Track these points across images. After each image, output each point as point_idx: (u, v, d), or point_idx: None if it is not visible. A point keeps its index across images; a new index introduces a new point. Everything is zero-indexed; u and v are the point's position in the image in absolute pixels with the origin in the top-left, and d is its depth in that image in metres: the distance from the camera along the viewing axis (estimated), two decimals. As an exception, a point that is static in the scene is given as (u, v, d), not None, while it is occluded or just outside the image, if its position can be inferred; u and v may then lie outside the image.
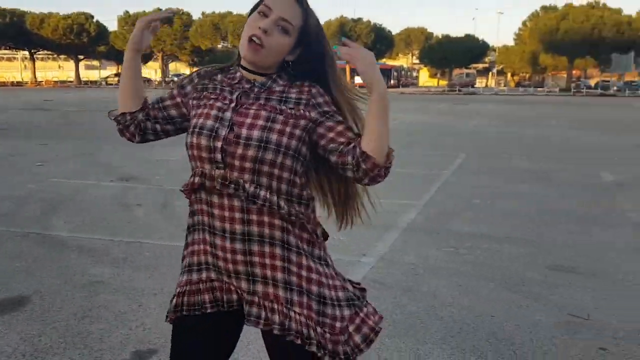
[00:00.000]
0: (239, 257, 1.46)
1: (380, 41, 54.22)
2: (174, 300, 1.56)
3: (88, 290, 3.66)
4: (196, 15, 60.28)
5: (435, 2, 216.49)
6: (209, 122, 1.46)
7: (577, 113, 23.54)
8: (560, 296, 3.63)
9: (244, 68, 1.53)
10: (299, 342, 1.44)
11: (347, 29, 52.93)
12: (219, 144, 1.43)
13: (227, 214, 1.45)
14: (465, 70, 66.44)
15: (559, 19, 47.00)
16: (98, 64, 73.96)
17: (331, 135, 1.46)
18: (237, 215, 1.44)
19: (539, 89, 55.18)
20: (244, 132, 1.42)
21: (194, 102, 1.56)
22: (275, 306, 1.46)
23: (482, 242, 4.79)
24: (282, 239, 1.46)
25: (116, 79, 59.87)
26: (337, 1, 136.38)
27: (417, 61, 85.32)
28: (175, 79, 68.38)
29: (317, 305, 1.45)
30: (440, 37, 55.42)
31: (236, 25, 54.47)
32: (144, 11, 59.25)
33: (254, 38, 1.44)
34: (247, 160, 1.41)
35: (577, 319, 3.28)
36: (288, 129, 1.43)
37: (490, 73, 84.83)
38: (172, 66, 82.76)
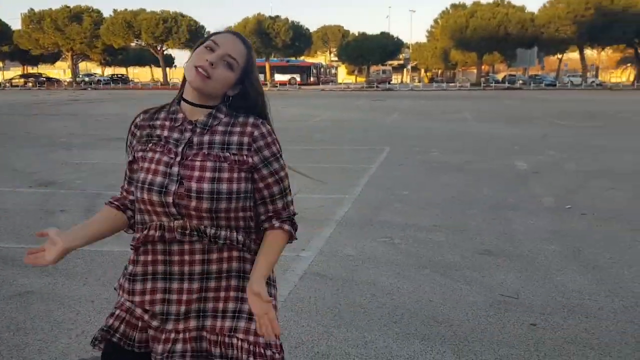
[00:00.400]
0: (194, 296, 1.50)
1: (299, 39, 54.42)
2: (113, 324, 1.57)
3: (18, 301, 3.49)
4: (107, 13, 57.93)
5: (350, 1, 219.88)
6: (158, 179, 1.47)
7: (488, 106, 24.79)
8: (490, 278, 3.86)
9: (186, 101, 1.53)
10: None
11: (265, 26, 52.66)
12: (170, 199, 1.46)
13: (187, 258, 1.50)
14: (381, 67, 68.09)
15: (468, 17, 49.19)
16: (1, 65, 69.35)
17: (261, 185, 1.52)
18: (198, 257, 1.49)
19: (450, 84, 57.50)
20: (194, 185, 1.45)
21: (140, 154, 1.55)
22: (218, 338, 1.50)
23: (414, 231, 4.99)
24: (239, 269, 1.52)
25: (22, 80, 56.46)
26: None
27: (335, 58, 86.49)
28: (87, 79, 65.60)
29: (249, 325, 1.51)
30: (357, 34, 56.32)
31: (150, 23, 52.83)
32: (50, 9, 56.20)
33: (200, 69, 1.47)
34: (203, 211, 1.46)
35: (508, 298, 3.51)
36: (235, 175, 1.48)
37: (404, 69, 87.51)
38: (83, 65, 79.10)
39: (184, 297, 1.50)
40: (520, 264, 4.13)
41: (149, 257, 1.52)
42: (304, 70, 61.17)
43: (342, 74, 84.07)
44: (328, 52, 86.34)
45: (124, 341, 1.56)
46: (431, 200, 6.21)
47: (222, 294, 1.52)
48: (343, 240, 4.72)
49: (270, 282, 1.56)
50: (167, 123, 1.55)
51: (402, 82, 74.47)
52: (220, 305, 1.52)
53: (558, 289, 3.66)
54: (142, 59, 68.91)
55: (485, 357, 2.78)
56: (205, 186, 1.45)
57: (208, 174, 1.46)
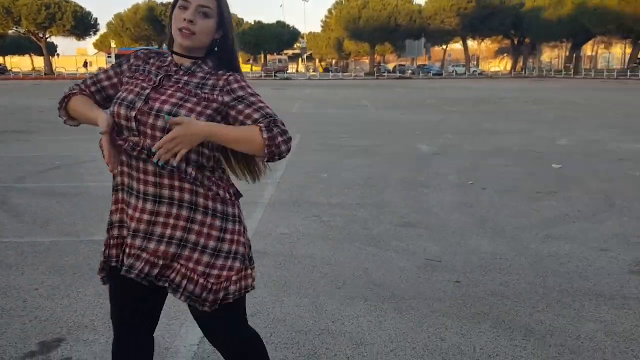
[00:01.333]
0: (145, 217, 1.65)
1: (194, 27, 53.03)
2: (105, 252, 1.74)
3: (-45, 295, 3.39)
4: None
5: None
6: (130, 96, 1.66)
7: (385, 94, 25.89)
8: (414, 246, 4.27)
9: (176, 53, 1.71)
10: (168, 288, 1.66)
11: (157, 12, 50.86)
12: (133, 114, 1.62)
13: (141, 176, 1.64)
14: (277, 57, 68.36)
15: (360, 8, 50.70)
16: None
17: (241, 117, 1.64)
18: (151, 178, 1.63)
19: (345, 73, 58.98)
20: (156, 105, 1.62)
21: (125, 79, 1.75)
22: (160, 262, 1.66)
23: (339, 209, 5.33)
24: (191, 201, 1.65)
25: None
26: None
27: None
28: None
29: (208, 258, 1.66)
30: (252, 23, 56.05)
31: (31, 9, 49.13)
32: None
33: (183, 30, 1.65)
34: (157, 130, 1.60)
35: (433, 262, 3.94)
36: (198, 108, 1.62)
37: (300, 58, 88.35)
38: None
39: (137, 214, 1.65)
40: (438, 233, 4.60)
41: (124, 169, 1.68)
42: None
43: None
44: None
45: (115, 260, 1.72)
46: (350, 181, 6.60)
47: (172, 220, 1.64)
48: (275, 221, 4.96)
49: (229, 217, 1.69)
50: (157, 63, 1.74)
51: (297, 71, 75.17)
52: (168, 231, 1.65)
53: (473, 252, 4.14)
54: (21, 47, 64.02)
55: (421, 311, 3.16)
56: (166, 107, 1.61)
57: (173, 100, 1.63)
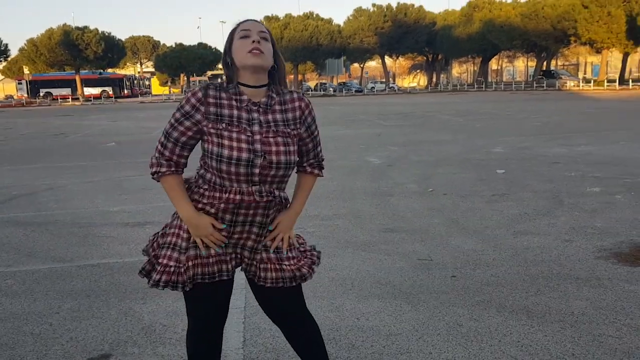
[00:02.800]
0: (252, 237, 2.01)
1: (111, 50, 51.75)
2: (189, 272, 1.98)
3: (-27, 325, 3.37)
4: None
5: (158, 11, 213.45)
6: (244, 155, 1.88)
7: (317, 112, 26.38)
8: (402, 248, 4.63)
9: (246, 85, 1.94)
10: (290, 284, 2.05)
11: (73, 37, 49.10)
12: (257, 170, 1.90)
13: (251, 211, 1.96)
14: (197, 78, 67.79)
15: (282, 28, 51.43)
16: None
17: (304, 148, 2.07)
18: (260, 211, 1.98)
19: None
20: (274, 158, 1.92)
21: (212, 130, 1.91)
22: (269, 266, 2.03)
23: (319, 220, 5.61)
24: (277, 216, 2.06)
25: None
26: (56, 9, 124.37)
27: (147, 69, 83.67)
28: None
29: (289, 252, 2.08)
30: (172, 45, 55.39)
31: None
32: None
33: (254, 50, 1.91)
34: (277, 177, 1.96)
35: (425, 261, 4.30)
36: (296, 147, 1.99)
37: (219, 79, 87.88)
38: None
39: (244, 236, 2.00)
40: (420, 236, 4.99)
41: (222, 206, 1.94)
42: (117, 82, 58.30)
43: (156, 86, 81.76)
44: (138, 63, 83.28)
45: (200, 278, 1.99)
46: (318, 194, 6.88)
47: (263, 238, 2.03)
48: (264, 234, 5.16)
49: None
50: (234, 103, 1.93)
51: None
52: (269, 243, 2.04)
53: (457, 250, 4.55)
54: None
55: (432, 303, 3.50)
56: (282, 158, 1.92)
57: (282, 148, 1.92)
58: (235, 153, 1.87)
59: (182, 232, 1.99)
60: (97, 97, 50.87)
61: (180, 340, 3.08)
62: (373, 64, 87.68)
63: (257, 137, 1.91)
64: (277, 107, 1.97)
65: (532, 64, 72.08)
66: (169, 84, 79.15)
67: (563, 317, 3.21)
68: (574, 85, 45.39)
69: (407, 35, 51.84)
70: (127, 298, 3.73)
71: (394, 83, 71.62)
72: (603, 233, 4.84)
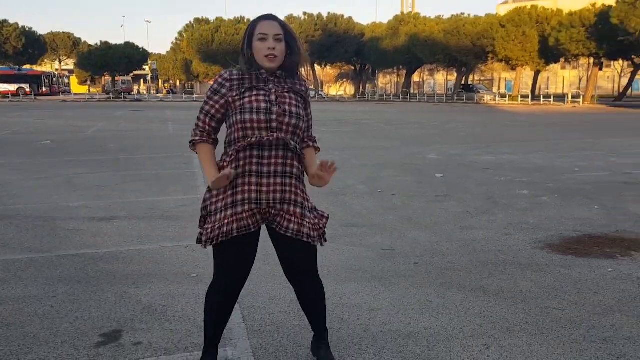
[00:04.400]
0: (278, 188, 2.38)
1: (32, 45, 49.26)
2: (225, 228, 2.36)
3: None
4: None
5: (80, 8, 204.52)
6: (262, 105, 2.33)
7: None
8: (366, 241, 5.08)
9: (264, 69, 2.39)
10: (306, 240, 2.47)
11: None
12: (274, 117, 2.33)
13: (272, 160, 2.36)
14: (120, 78, 65.83)
15: (213, 31, 51.09)
16: None
17: (304, 125, 2.51)
18: (280, 160, 2.38)
19: (194, 95, 58.70)
20: (287, 108, 2.37)
21: (236, 96, 2.35)
22: (293, 219, 2.42)
23: (283, 217, 5.97)
24: (297, 173, 2.44)
25: None
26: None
27: (67, 67, 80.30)
28: None
29: (308, 212, 2.47)
30: (97, 43, 53.57)
31: None
32: None
33: (269, 56, 2.36)
34: (290, 126, 2.36)
35: (388, 251, 4.78)
36: (302, 106, 2.46)
37: (142, 80, 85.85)
38: None
39: (272, 188, 2.37)
40: (379, 230, 5.47)
41: (245, 161, 2.34)
42: (35, 79, 55.54)
43: (75, 84, 78.74)
44: (57, 60, 79.69)
45: (237, 231, 2.37)
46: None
47: (292, 189, 2.41)
48: (234, 228, 5.46)
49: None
50: (253, 77, 2.37)
51: (139, 92, 73.09)
52: (292, 196, 2.42)
53: (414, 241, 5.07)
54: None
55: (402, 285, 3.95)
56: (294, 109, 2.38)
57: (294, 102, 2.39)
58: (255, 103, 2.33)
59: (214, 199, 2.39)
60: (14, 94, 48.28)
61: (184, 317, 3.36)
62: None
63: (273, 94, 2.36)
64: (289, 81, 2.44)
65: (451, 77, 75.52)
66: (89, 82, 76.34)
67: (514, 295, 3.77)
68: (490, 100, 48.14)
69: (337, 45, 53.00)
70: (119, 283, 3.94)
71: (321, 91, 72.86)
72: (536, 228, 5.53)
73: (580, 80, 74.27)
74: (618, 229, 5.48)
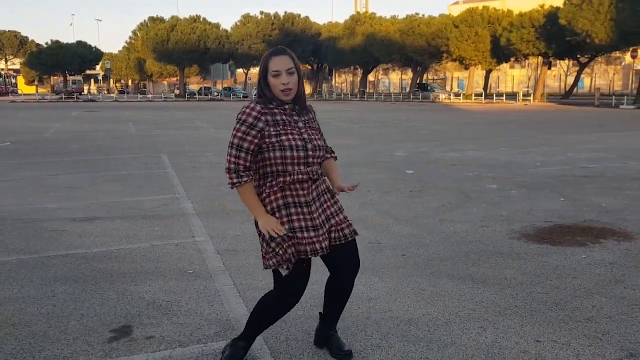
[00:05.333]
0: (320, 210, 2.64)
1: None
2: (300, 249, 2.55)
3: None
4: None
5: (26, 6, 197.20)
6: (300, 142, 2.53)
7: (212, 116, 26.45)
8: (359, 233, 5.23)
9: (284, 102, 2.58)
10: (354, 236, 2.75)
11: None
12: (310, 152, 2.55)
13: (311, 190, 2.59)
14: (71, 77, 64.08)
15: (169, 30, 50.31)
16: None
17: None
18: (314, 187, 2.61)
19: (149, 95, 57.75)
20: (316, 143, 2.60)
21: (273, 131, 2.50)
22: (344, 225, 2.69)
23: (266, 214, 6.06)
24: (328, 186, 2.73)
25: None
26: None
27: (13, 67, 77.55)
28: None
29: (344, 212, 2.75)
30: (50, 42, 51.83)
31: None
32: None
33: (285, 91, 2.53)
34: (319, 157, 2.63)
35: (374, 244, 4.95)
36: (320, 134, 2.70)
37: (92, 80, 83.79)
38: None
39: (315, 214, 2.58)
40: (362, 225, 5.61)
41: (289, 193, 2.54)
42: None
43: (20, 84, 76.11)
44: (4, 59, 76.85)
45: (296, 257, 2.55)
46: (253, 192, 7.32)
47: (328, 204, 2.68)
48: (218, 227, 5.51)
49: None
50: (280, 112, 2.56)
51: (89, 92, 71.39)
52: (332, 210, 2.69)
53: (397, 235, 5.26)
54: None
55: (394, 275, 4.13)
56: (320, 142, 2.64)
57: (317, 136, 2.65)
58: (292, 142, 2.50)
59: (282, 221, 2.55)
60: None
61: (189, 311, 3.44)
62: (254, 70, 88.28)
63: (303, 130, 2.56)
64: (304, 112, 2.65)
65: (406, 77, 76.69)
66: (36, 82, 73.91)
67: (500, 281, 4.00)
68: (445, 98, 49.22)
69: (294, 44, 53.03)
70: (117, 281, 3.97)
71: (278, 90, 72.74)
72: (509, 220, 5.81)
73: (528, 78, 76.72)
74: (585, 219, 5.83)
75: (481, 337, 3.11)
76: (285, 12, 55.89)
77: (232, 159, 2.49)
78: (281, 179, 2.51)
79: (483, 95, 48.52)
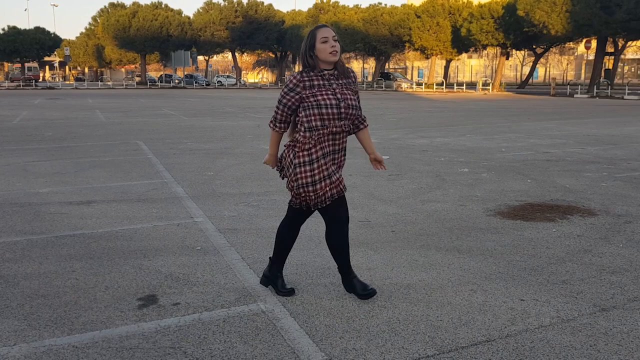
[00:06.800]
0: (343, 163, 3.23)
1: None
2: (328, 192, 3.18)
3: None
4: None
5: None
6: (333, 101, 3.06)
7: (179, 103, 26.32)
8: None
9: (325, 69, 3.13)
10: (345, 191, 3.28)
11: None
12: (342, 110, 3.05)
13: (340, 142, 3.18)
14: (27, 64, 62.23)
15: (130, 17, 49.40)
16: None
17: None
18: (344, 140, 3.21)
19: (109, 82, 56.67)
20: (350, 103, 3.12)
21: (309, 93, 3.09)
22: (341, 179, 3.24)
23: (255, 196, 6.35)
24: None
25: None
26: None
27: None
28: None
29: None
30: (6, 28, 50.07)
31: None
32: None
33: (333, 52, 3.10)
34: (351, 115, 3.15)
35: (365, 222, 5.32)
36: (355, 97, 3.22)
37: (47, 66, 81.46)
38: None
39: (341, 163, 3.30)
40: (350, 205, 5.87)
41: (324, 144, 3.12)
42: None
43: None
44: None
45: (337, 194, 3.23)
46: (238, 176, 7.60)
47: (342, 159, 3.30)
48: (213, 209, 5.78)
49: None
50: (319, 78, 3.12)
51: (44, 79, 69.49)
52: (339, 165, 3.30)
53: (384, 214, 5.64)
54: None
55: (386, 248, 4.50)
56: (353, 102, 3.16)
57: (351, 96, 3.16)
58: (327, 100, 3.06)
59: (309, 172, 3.12)
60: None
61: (207, 282, 3.73)
62: (216, 58, 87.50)
63: (337, 91, 3.10)
64: (342, 77, 3.17)
65: (367, 66, 77.32)
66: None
67: (483, 252, 4.43)
68: (407, 87, 50.05)
69: (258, 32, 52.91)
70: (130, 257, 4.22)
71: (240, 77, 72.45)
72: (484, 200, 6.28)
73: (486, 68, 78.35)
74: (551, 198, 6.35)
75: (473, 297, 3.51)
76: (249, 0, 55.54)
77: (276, 110, 3.21)
78: (321, 131, 3.10)
79: (444, 84, 49.53)
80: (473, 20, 44.80)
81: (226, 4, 53.45)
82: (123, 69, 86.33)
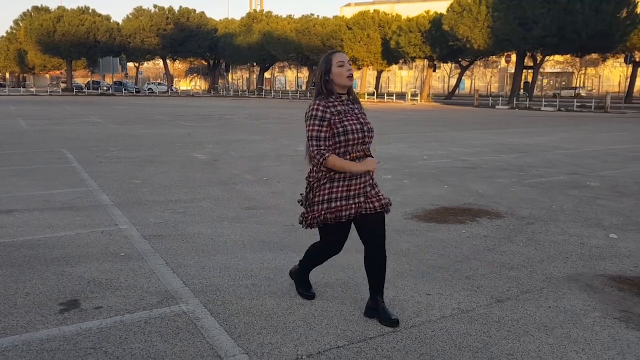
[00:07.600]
0: (364, 184, 3.27)
1: None
2: (343, 212, 3.26)
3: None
4: None
5: None
6: (359, 126, 3.22)
7: (107, 111, 25.65)
8: (268, 220, 5.75)
9: (340, 93, 3.28)
10: (384, 209, 3.35)
11: None
12: (366, 134, 3.23)
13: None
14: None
15: (55, 21, 47.58)
16: None
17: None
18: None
19: (32, 88, 54.32)
20: (370, 127, 3.30)
21: (337, 119, 3.16)
22: (374, 199, 3.31)
23: (182, 203, 6.43)
24: None
25: None
26: None
27: None
28: None
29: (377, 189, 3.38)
30: None
31: None
32: None
33: (349, 77, 3.26)
34: (370, 139, 3.29)
35: (290, 227, 5.52)
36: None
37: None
38: None
39: (365, 183, 3.27)
40: (276, 211, 6.17)
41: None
42: None
43: None
44: None
45: (336, 219, 3.28)
46: (166, 184, 7.62)
47: (370, 180, 3.32)
48: (138, 215, 5.82)
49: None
50: (339, 103, 3.22)
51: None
52: (368, 185, 3.30)
53: (308, 219, 5.86)
54: None
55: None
56: (372, 126, 3.33)
57: (369, 121, 3.33)
58: (354, 126, 3.18)
59: (323, 193, 3.24)
60: None
61: (130, 286, 3.82)
62: (147, 65, 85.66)
63: (360, 115, 3.25)
64: (355, 102, 3.34)
65: (301, 75, 77.98)
66: None
67: (397, 252, 4.74)
68: (341, 97, 50.89)
69: (190, 39, 52.32)
70: (52, 264, 4.23)
71: (172, 85, 71.24)
72: (403, 204, 6.64)
73: (415, 79, 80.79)
74: (464, 202, 6.80)
75: (384, 293, 3.78)
76: (181, 7, 54.92)
77: (314, 148, 3.12)
78: (347, 157, 3.16)
79: (375, 94, 50.76)
80: (402, 34, 46.27)
81: (157, 10, 52.59)
82: (47, 75, 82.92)
